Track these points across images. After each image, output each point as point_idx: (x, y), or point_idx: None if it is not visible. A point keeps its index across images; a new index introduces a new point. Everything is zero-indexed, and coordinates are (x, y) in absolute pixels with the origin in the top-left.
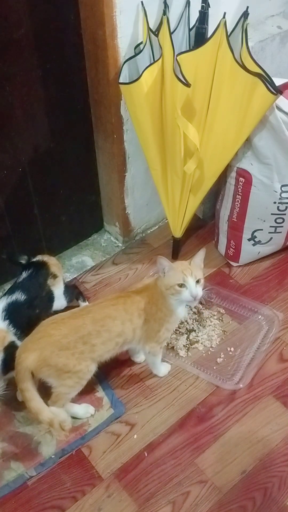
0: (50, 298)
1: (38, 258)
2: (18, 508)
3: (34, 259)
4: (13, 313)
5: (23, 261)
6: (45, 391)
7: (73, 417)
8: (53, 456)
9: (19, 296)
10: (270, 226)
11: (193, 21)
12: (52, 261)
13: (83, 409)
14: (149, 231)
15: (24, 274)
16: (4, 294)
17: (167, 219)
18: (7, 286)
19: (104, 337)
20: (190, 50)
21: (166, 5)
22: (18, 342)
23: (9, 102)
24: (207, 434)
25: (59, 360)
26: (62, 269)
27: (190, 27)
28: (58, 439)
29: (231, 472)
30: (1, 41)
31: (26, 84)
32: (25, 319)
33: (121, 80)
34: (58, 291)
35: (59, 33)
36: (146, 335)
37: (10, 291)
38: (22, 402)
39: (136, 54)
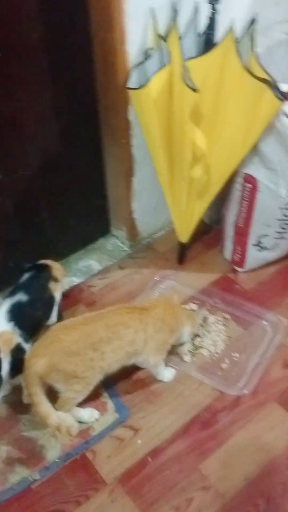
0: (51, 302)
1: (41, 261)
2: (22, 511)
3: (37, 262)
4: (17, 315)
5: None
6: (52, 395)
7: (78, 421)
8: (57, 460)
9: (21, 297)
10: (276, 232)
11: (201, 27)
12: (55, 265)
13: (88, 413)
14: (155, 236)
15: (26, 275)
16: (7, 296)
17: (173, 224)
18: None
19: (114, 345)
20: (198, 55)
21: (175, 11)
22: (24, 344)
23: (19, 107)
24: (211, 439)
25: (68, 366)
26: (64, 276)
27: (199, 33)
28: (63, 443)
29: (234, 478)
30: (13, 46)
31: (36, 88)
32: (29, 320)
33: (129, 85)
34: (58, 297)
35: (69, 38)
36: (156, 347)
37: (12, 293)
38: (27, 405)
39: (145, 60)
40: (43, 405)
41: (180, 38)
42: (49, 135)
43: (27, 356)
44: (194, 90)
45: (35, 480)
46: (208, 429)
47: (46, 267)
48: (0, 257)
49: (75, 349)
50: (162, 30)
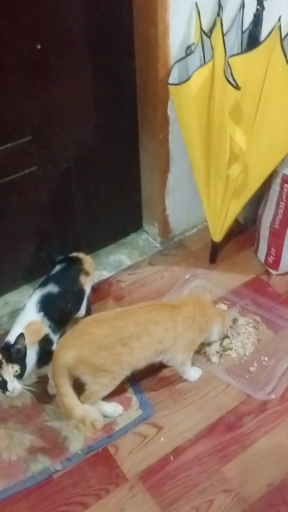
0: (81, 295)
1: (73, 254)
2: (42, 500)
3: (69, 255)
4: (47, 306)
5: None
6: (77, 387)
7: (102, 415)
8: (79, 452)
9: (52, 288)
10: None
11: (246, 24)
12: (86, 259)
13: (112, 408)
14: (187, 233)
15: (57, 267)
16: (38, 287)
17: (207, 222)
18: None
19: (144, 341)
20: (242, 52)
21: (220, 7)
22: (52, 336)
23: (59, 99)
24: (235, 443)
25: (96, 360)
26: (95, 270)
27: (243, 29)
28: (86, 435)
29: (257, 483)
30: (55, 38)
31: (76, 81)
32: (58, 312)
33: (170, 81)
34: (88, 290)
35: (111, 32)
36: (184, 346)
37: (43, 284)
38: (52, 396)
39: (187, 55)
40: (69, 396)
41: (224, 34)
42: (86, 128)
43: (55, 347)
44: (236, 87)
45: (56, 471)
46: (232, 432)
47: (77, 260)
48: (32, 248)
49: (104, 343)
50: (206, 26)
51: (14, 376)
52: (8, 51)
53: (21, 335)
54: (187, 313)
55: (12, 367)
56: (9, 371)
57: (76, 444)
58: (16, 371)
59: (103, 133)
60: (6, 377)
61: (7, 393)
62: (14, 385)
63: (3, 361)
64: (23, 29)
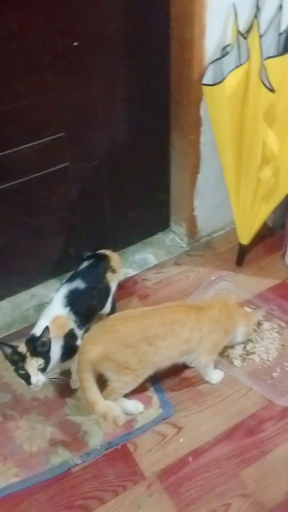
0: (107, 292)
1: (101, 251)
2: (61, 493)
3: (97, 252)
4: (73, 301)
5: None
6: (100, 382)
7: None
8: (99, 447)
9: (79, 284)
10: None
11: (284, 26)
12: (113, 256)
13: (133, 405)
14: (215, 235)
15: (85, 263)
16: (65, 282)
17: (235, 225)
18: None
19: (169, 341)
20: (278, 55)
21: (258, 8)
22: (77, 331)
23: (93, 96)
24: (255, 448)
25: (121, 357)
26: (121, 267)
27: (280, 31)
28: (106, 431)
29: (276, 490)
30: (91, 36)
31: (110, 79)
32: (84, 308)
33: (204, 82)
34: (114, 288)
35: (147, 31)
36: (209, 348)
37: (71, 279)
38: (74, 390)
39: (222, 56)
40: (93, 391)
41: (260, 36)
42: (118, 126)
43: (80, 342)
44: (271, 90)
45: (75, 464)
46: (252, 436)
47: (105, 257)
48: (61, 243)
49: (130, 341)
50: (242, 27)
51: (38, 369)
52: (46, 47)
53: (47, 328)
54: (213, 315)
55: (36, 360)
56: (33, 364)
57: (95, 440)
58: (40, 364)
59: (135, 132)
60: (30, 371)
61: (31, 386)
62: (37, 378)
63: (28, 354)
64: (61, 26)
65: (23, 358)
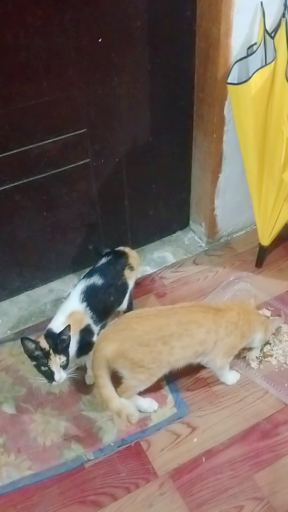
0: (124, 289)
1: (120, 248)
2: (73, 488)
3: (116, 248)
4: (90, 296)
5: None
6: (114, 379)
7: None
8: (112, 444)
9: (96, 280)
10: None
11: None
12: (132, 254)
13: (147, 403)
14: (235, 235)
15: (103, 260)
16: (83, 277)
17: (255, 225)
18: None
19: (185, 342)
20: None
21: (286, 7)
22: (93, 327)
23: (116, 93)
24: (269, 451)
25: (136, 355)
26: (140, 265)
27: None
28: (119, 428)
29: None
30: (117, 33)
31: (134, 76)
32: (101, 304)
33: (229, 80)
34: (131, 285)
35: (173, 28)
36: (224, 350)
37: (89, 275)
38: (89, 386)
39: (248, 55)
40: (107, 388)
41: None
42: (141, 124)
43: (96, 338)
44: None
45: (88, 460)
46: (267, 440)
47: (123, 254)
48: (80, 239)
49: (145, 339)
50: (269, 26)
51: (61, 366)
52: (70, 43)
53: (68, 327)
54: (230, 318)
55: (60, 358)
56: (57, 362)
57: (109, 436)
58: (63, 362)
59: (157, 129)
60: (54, 368)
61: (54, 383)
62: (60, 375)
63: (51, 351)
64: (86, 22)
65: (46, 354)
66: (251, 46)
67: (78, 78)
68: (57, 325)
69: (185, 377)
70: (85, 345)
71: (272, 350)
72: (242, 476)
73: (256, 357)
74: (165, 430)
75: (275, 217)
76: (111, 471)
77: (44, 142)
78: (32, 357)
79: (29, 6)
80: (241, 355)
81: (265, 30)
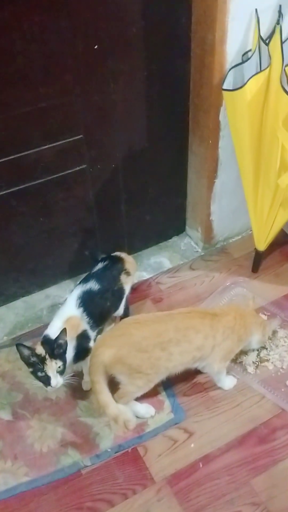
0: (121, 295)
1: (116, 253)
2: (70, 494)
3: (112, 254)
4: (87, 302)
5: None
6: (111, 385)
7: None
8: (109, 450)
9: (93, 285)
10: None
11: None
12: (128, 259)
13: (144, 409)
14: (231, 240)
15: (100, 265)
16: (79, 283)
17: (251, 230)
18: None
19: (183, 348)
20: None
21: (280, 14)
22: (90, 332)
23: (112, 99)
24: (267, 456)
25: (134, 361)
26: (136, 270)
27: None
28: (116, 434)
29: (286, 500)
30: (113, 39)
31: (130, 82)
32: (98, 309)
33: (224, 87)
34: (127, 290)
35: (168, 35)
36: (222, 355)
37: (85, 280)
38: (86, 392)
39: (243, 62)
40: (104, 394)
41: (282, 42)
42: (137, 130)
43: (93, 344)
44: None
45: (85, 466)
46: (264, 445)
47: (120, 259)
48: (76, 244)
49: (144, 345)
50: (264, 33)
51: (57, 372)
52: (66, 50)
53: (64, 331)
54: (227, 323)
55: (56, 363)
56: (53, 367)
57: (106, 442)
58: (59, 367)
59: (153, 135)
60: (50, 373)
61: (49, 388)
62: (57, 381)
63: (47, 356)
64: (83, 28)
65: (42, 360)
66: (246, 52)
67: (75, 84)
68: (53, 331)
69: (182, 382)
70: (82, 351)
71: (268, 355)
72: (239, 481)
73: (253, 362)
74: (162, 436)
75: (271, 222)
76: (108, 477)
77: (41, 148)
78: (28, 363)
79: (25, 13)
80: (237, 360)
81: (260, 37)
